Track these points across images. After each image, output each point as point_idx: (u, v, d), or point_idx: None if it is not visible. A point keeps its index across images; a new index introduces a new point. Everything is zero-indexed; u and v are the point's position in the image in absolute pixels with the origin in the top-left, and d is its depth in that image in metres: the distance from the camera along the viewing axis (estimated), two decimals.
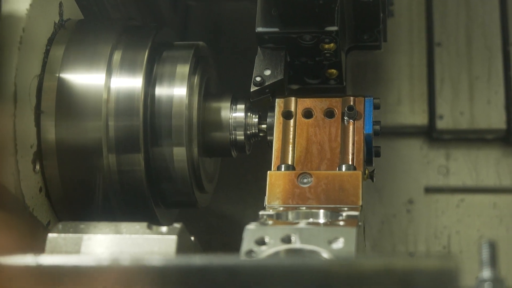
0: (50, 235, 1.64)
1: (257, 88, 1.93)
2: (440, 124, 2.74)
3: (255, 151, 2.12)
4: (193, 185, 1.96)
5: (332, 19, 1.87)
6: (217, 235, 2.61)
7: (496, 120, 2.73)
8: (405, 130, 2.78)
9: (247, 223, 1.60)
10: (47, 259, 1.35)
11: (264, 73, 1.93)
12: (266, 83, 1.93)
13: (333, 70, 2.01)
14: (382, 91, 2.75)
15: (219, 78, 2.16)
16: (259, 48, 1.95)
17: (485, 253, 1.38)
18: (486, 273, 1.37)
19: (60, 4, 1.92)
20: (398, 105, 2.76)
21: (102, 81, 1.87)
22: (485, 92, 2.76)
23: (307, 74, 2.03)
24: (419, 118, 2.76)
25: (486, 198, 2.71)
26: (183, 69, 1.94)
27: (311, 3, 1.83)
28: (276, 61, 1.94)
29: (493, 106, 2.74)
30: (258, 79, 1.93)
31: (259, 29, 1.92)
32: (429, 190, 2.73)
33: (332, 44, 1.92)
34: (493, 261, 1.36)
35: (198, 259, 1.28)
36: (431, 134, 2.77)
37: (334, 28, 1.88)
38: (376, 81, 2.77)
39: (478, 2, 2.85)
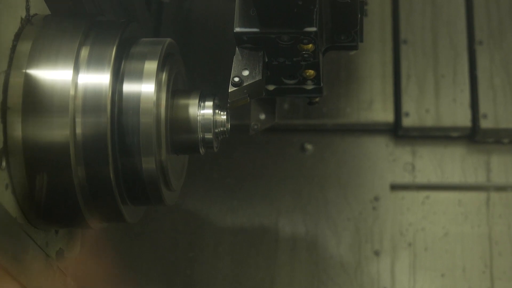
0: None
1: (235, 88, 1.89)
2: (406, 122, 2.76)
3: (221, 149, 2.10)
4: (161, 183, 1.95)
5: (311, 20, 1.84)
6: (183, 233, 2.60)
7: (461, 118, 2.75)
8: (371, 127, 2.79)
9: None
10: None
11: (243, 73, 1.90)
12: (245, 84, 1.89)
13: (310, 71, 1.98)
14: (354, 89, 2.77)
15: (187, 75, 2.15)
16: (237, 49, 1.91)
17: None
18: None
19: None
20: (367, 102, 2.77)
21: (70, 77, 1.85)
22: (450, 90, 2.78)
23: (285, 74, 2.00)
24: (386, 115, 2.77)
25: (451, 195, 2.73)
26: (151, 65, 1.92)
27: (290, 4, 1.80)
28: (254, 62, 1.90)
29: (458, 104, 2.76)
30: (236, 79, 1.89)
31: (238, 29, 1.88)
32: (394, 187, 2.75)
33: (310, 45, 1.89)
34: None
35: None
36: (397, 131, 2.78)
37: (313, 29, 1.85)
38: (349, 79, 2.78)
39: (444, 0, 2.87)
